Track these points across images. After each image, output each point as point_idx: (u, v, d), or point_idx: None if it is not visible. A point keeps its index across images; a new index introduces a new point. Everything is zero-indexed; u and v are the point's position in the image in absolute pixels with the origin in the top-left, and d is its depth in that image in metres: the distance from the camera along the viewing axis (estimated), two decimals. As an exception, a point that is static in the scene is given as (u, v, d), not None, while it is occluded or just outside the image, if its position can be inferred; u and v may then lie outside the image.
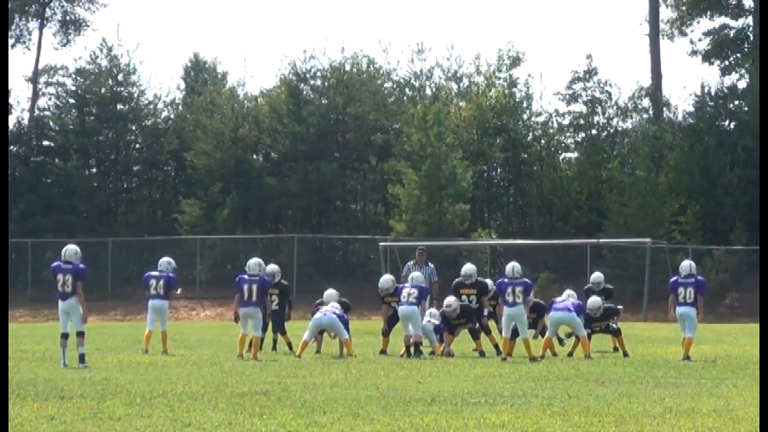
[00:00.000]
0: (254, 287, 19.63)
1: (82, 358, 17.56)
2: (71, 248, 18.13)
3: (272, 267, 21.64)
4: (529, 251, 45.38)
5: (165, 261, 21.84)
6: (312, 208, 50.48)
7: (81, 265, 17.95)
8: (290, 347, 21.23)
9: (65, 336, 17.84)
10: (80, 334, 17.67)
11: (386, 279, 21.57)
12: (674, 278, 20.11)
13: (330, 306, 20.81)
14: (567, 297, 20.65)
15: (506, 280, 19.25)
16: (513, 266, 19.43)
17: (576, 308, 20.36)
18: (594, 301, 20.98)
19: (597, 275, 22.93)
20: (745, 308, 40.01)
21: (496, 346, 20.73)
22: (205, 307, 44.32)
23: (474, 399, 12.75)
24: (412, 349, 19.91)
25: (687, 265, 20.15)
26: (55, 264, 18.11)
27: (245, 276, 19.77)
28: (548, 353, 19.99)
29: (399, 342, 20.77)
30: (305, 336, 20.25)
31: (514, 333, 19.49)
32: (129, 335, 26.13)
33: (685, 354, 19.38)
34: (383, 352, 20.61)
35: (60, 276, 17.78)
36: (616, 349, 21.25)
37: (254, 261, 20.12)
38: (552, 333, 20.43)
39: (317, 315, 20.37)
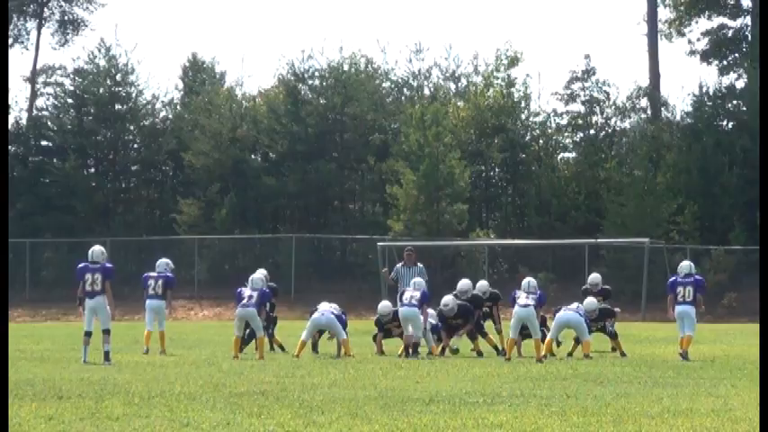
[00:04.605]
0: (255, 293, 19.80)
1: (107, 356, 18.11)
2: (97, 249, 18.72)
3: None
4: (527, 251, 45.41)
5: (164, 262, 21.90)
6: (310, 208, 50.46)
7: (108, 265, 18.56)
8: (272, 348, 21.48)
9: (88, 334, 18.42)
10: (106, 332, 18.27)
11: (385, 305, 21.39)
12: (673, 278, 20.12)
13: (329, 306, 20.87)
14: (577, 307, 20.66)
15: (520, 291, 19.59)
16: (528, 281, 19.73)
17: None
18: (590, 302, 21.01)
19: (595, 276, 22.88)
20: (744, 308, 40.03)
21: (495, 348, 20.77)
22: (203, 307, 44.32)
23: (472, 399, 12.75)
24: (410, 349, 19.94)
25: (687, 264, 20.20)
26: (82, 264, 18.56)
27: (245, 288, 20.03)
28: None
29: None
30: (303, 336, 20.29)
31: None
32: (127, 335, 26.09)
33: (685, 348, 19.34)
34: (381, 352, 20.68)
35: (89, 276, 18.32)
36: (614, 349, 21.26)
37: (258, 276, 20.38)
38: (555, 334, 20.40)
39: (315, 315, 20.45)
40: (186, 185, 50.07)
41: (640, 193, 44.45)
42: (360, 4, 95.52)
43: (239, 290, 20.15)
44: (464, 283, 21.31)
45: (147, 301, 21.48)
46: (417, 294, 20.11)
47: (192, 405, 12.07)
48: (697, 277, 20.13)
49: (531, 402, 12.44)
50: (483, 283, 21.87)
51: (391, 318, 20.71)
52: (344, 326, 20.53)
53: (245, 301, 19.73)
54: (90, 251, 18.68)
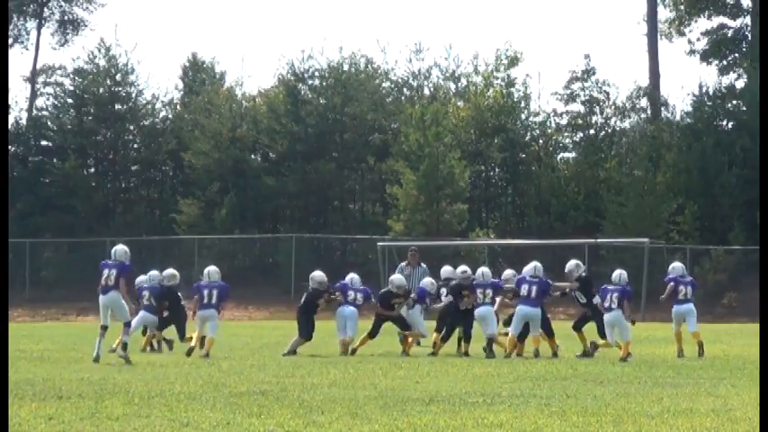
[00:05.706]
0: (214, 292, 20.19)
1: (124, 347, 18.47)
2: (120, 248, 19.36)
3: (170, 272, 22.30)
4: (527, 251, 45.30)
5: (122, 250, 22.28)
6: (310, 208, 50.48)
7: (126, 263, 19.07)
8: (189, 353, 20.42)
9: (104, 327, 18.69)
10: (126, 324, 18.73)
11: (401, 278, 21.69)
12: (673, 276, 20.63)
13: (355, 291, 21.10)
14: (534, 270, 20.32)
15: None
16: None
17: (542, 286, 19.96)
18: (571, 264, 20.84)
19: (570, 264, 21.08)
20: (743, 308, 40.02)
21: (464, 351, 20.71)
22: (203, 307, 44.24)
23: (472, 398, 12.74)
24: (489, 346, 19.98)
25: (680, 266, 20.93)
26: (104, 262, 19.30)
27: (203, 283, 20.44)
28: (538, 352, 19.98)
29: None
30: (340, 334, 20.56)
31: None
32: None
33: (699, 342, 20.14)
34: (353, 351, 20.73)
35: (106, 271, 18.87)
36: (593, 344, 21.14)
37: (214, 269, 20.77)
38: (518, 329, 20.10)
39: (340, 308, 20.70)
40: (186, 185, 50.08)
41: (640, 193, 44.45)
42: (360, 4, 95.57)
43: (196, 284, 20.51)
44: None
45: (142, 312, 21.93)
46: (490, 292, 20.15)
47: (192, 405, 12.06)
48: (691, 279, 20.92)
49: (531, 402, 12.43)
50: (509, 273, 21.82)
51: (404, 292, 20.89)
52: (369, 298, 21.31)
53: (205, 302, 19.97)
54: (113, 250, 19.30)
